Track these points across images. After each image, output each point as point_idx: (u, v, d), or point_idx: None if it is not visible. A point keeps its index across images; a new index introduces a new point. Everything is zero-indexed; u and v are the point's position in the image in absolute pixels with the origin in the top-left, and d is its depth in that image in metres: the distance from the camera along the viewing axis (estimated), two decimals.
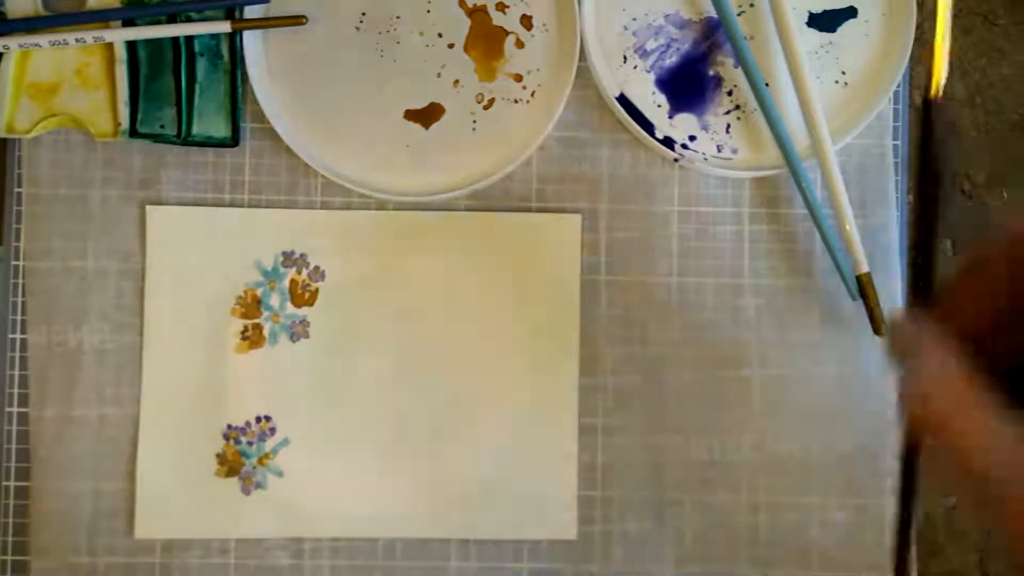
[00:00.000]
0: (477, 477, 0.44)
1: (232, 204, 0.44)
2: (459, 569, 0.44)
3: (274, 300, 0.44)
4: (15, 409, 0.43)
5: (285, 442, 0.44)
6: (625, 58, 0.44)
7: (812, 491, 0.44)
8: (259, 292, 0.44)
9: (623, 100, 0.44)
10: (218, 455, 0.43)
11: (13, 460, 0.43)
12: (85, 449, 0.43)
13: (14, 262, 0.44)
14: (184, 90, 0.43)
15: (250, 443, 0.43)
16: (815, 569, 0.44)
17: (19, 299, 0.44)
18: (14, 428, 0.43)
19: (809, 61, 0.43)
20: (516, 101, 0.44)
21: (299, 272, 0.44)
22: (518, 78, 0.44)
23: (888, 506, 0.44)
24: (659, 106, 0.44)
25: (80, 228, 0.44)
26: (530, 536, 0.44)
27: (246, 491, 0.43)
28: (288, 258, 0.44)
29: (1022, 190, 0.45)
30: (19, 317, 0.44)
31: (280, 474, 0.43)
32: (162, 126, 0.43)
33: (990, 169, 0.45)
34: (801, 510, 0.44)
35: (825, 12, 0.44)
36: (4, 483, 0.43)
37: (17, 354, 0.44)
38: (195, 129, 0.43)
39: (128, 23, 0.43)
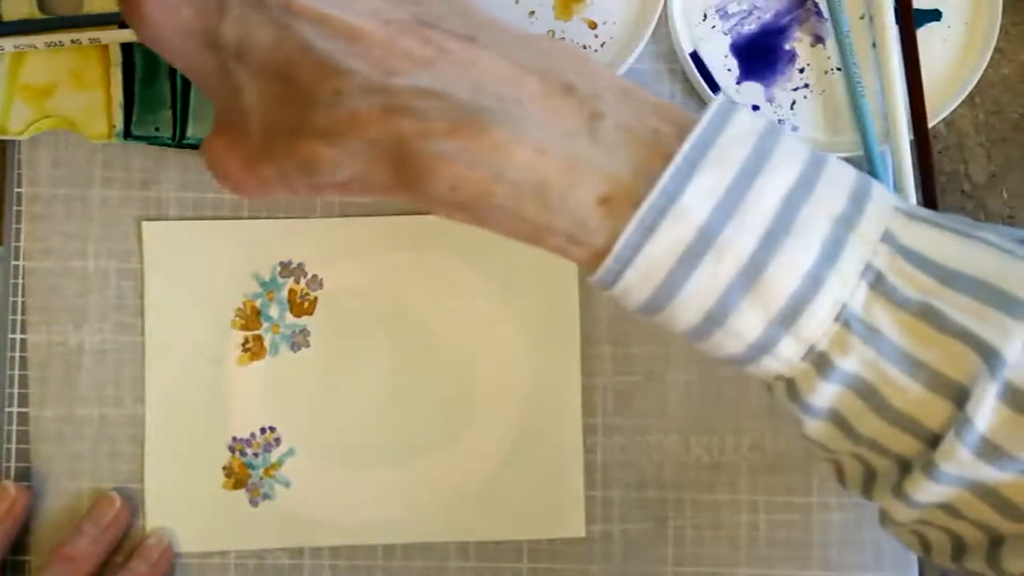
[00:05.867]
0: (484, 479, 0.44)
1: (232, 204, 0.44)
2: (459, 569, 0.44)
3: (273, 311, 0.44)
4: (15, 409, 0.43)
5: (291, 452, 0.44)
6: (705, 16, 0.44)
7: (812, 491, 0.44)
8: (258, 303, 0.44)
9: (695, 58, 0.44)
10: (224, 468, 0.43)
11: (13, 460, 0.43)
12: (85, 449, 0.43)
13: (14, 262, 0.44)
14: (179, 93, 0.43)
15: (256, 454, 0.43)
16: (815, 569, 0.44)
17: (19, 299, 0.44)
18: (14, 428, 0.43)
19: None
20: (584, 48, 0.43)
21: (297, 282, 0.44)
22: (593, 25, 0.44)
23: None
24: (729, 70, 0.44)
25: (80, 228, 0.44)
26: (539, 536, 0.44)
27: (254, 503, 0.43)
28: (286, 268, 0.44)
29: (1022, 190, 0.45)
30: (19, 317, 0.44)
31: (287, 484, 0.43)
32: (157, 128, 0.43)
33: (990, 169, 0.45)
34: (801, 510, 0.44)
35: (913, 10, 0.44)
36: (3, 482, 0.43)
37: (17, 354, 0.44)
38: (190, 131, 0.43)
39: (124, 26, 0.42)
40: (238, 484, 0.43)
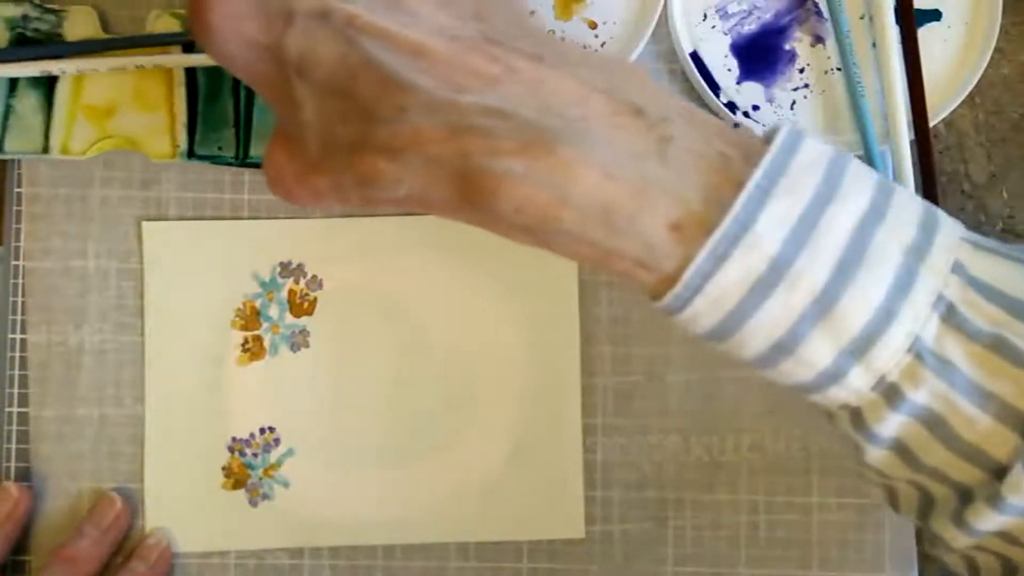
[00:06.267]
0: (484, 480, 0.44)
1: (232, 204, 0.44)
2: (459, 569, 0.44)
3: (273, 311, 0.44)
4: (15, 409, 0.43)
5: (290, 452, 0.44)
6: (705, 16, 0.44)
7: (812, 491, 0.44)
8: (258, 304, 0.44)
9: (695, 57, 0.44)
10: (224, 468, 0.43)
11: (13, 460, 0.43)
12: (85, 449, 0.43)
13: (14, 262, 0.44)
14: (243, 112, 0.43)
15: (255, 455, 0.43)
16: (815, 569, 0.44)
17: (19, 299, 0.44)
18: (14, 428, 0.43)
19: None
20: (584, 48, 0.43)
21: (297, 282, 0.44)
22: (593, 25, 0.44)
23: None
24: (729, 70, 0.44)
25: (80, 228, 0.44)
26: (538, 537, 0.44)
27: (253, 503, 0.43)
28: (286, 268, 0.44)
29: (1022, 190, 0.45)
30: (19, 317, 0.44)
31: (287, 484, 0.43)
32: (220, 147, 0.43)
33: (990, 169, 0.45)
34: (801, 510, 0.44)
35: (914, 10, 0.44)
36: (4, 483, 0.43)
37: (17, 354, 0.44)
38: (252, 151, 0.43)
39: (188, 48, 0.42)
40: (237, 484, 0.43)
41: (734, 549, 0.44)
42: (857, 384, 0.30)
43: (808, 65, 0.44)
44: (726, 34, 0.44)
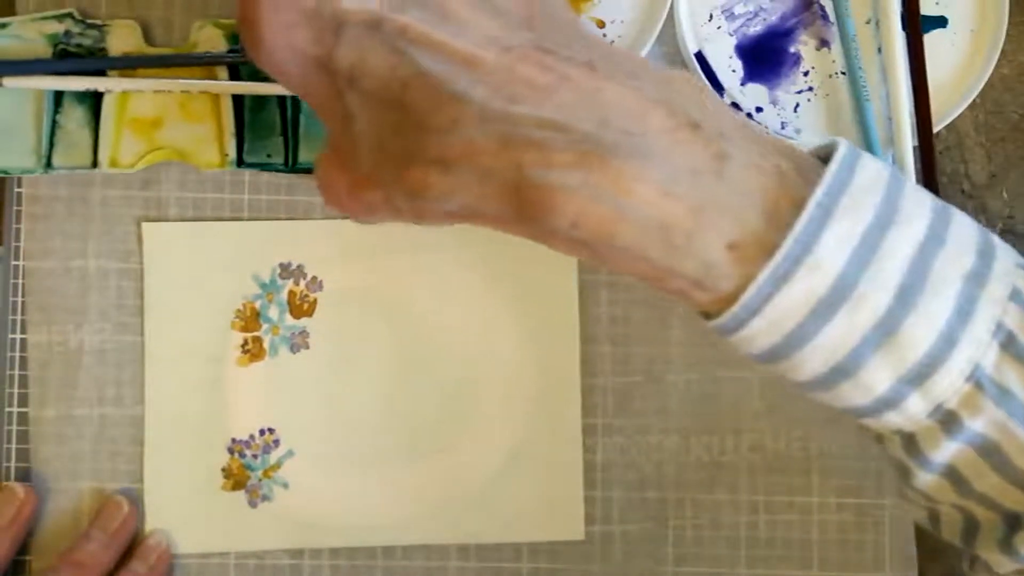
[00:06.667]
0: (483, 482, 0.44)
1: (232, 205, 0.44)
2: (459, 569, 0.44)
3: (273, 312, 0.44)
4: (15, 409, 0.43)
5: (290, 453, 0.44)
6: (711, 16, 0.44)
7: (812, 491, 0.44)
8: (257, 305, 0.44)
9: (700, 58, 0.44)
10: (223, 469, 0.43)
11: (13, 460, 0.43)
12: (85, 449, 0.43)
13: (14, 262, 0.44)
14: (290, 119, 0.43)
15: (255, 456, 0.43)
16: (815, 569, 0.44)
17: (19, 299, 0.44)
18: (14, 428, 0.43)
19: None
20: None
21: (297, 283, 0.44)
22: (601, 24, 0.43)
23: (888, 506, 0.44)
24: (733, 71, 0.44)
25: (80, 228, 0.44)
26: (538, 537, 0.44)
27: (253, 504, 0.43)
28: (286, 270, 0.44)
29: (1022, 190, 0.45)
30: (19, 317, 0.43)
31: (286, 486, 0.43)
32: (269, 155, 0.43)
33: (990, 169, 0.45)
34: (801, 510, 0.44)
35: (920, 17, 0.43)
36: (4, 483, 0.43)
37: (17, 354, 0.43)
38: (302, 157, 0.43)
39: (233, 69, 0.42)
40: (237, 485, 0.43)
41: (734, 549, 0.44)
42: (914, 410, 0.30)
43: (813, 68, 0.44)
44: (731, 35, 0.44)
